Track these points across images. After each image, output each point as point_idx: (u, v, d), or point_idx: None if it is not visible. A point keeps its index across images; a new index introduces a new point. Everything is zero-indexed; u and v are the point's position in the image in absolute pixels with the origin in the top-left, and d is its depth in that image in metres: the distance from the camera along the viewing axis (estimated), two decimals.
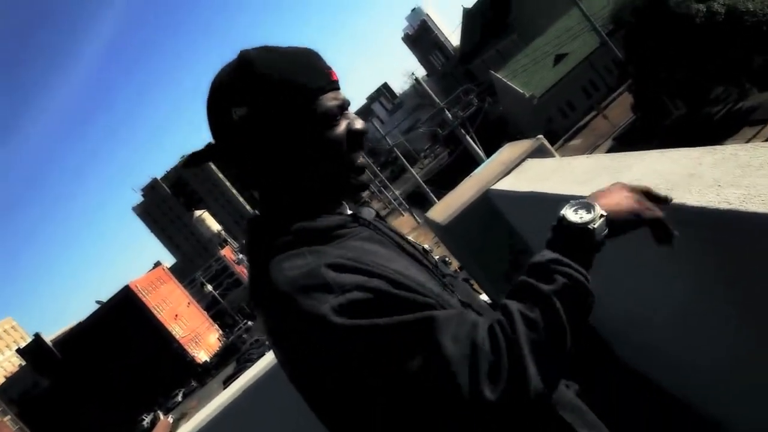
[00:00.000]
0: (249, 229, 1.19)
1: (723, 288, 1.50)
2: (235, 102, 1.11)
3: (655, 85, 27.08)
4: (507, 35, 72.37)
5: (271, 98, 1.11)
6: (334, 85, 1.17)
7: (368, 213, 1.27)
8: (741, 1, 23.26)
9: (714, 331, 1.71)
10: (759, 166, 1.34)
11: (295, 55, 1.16)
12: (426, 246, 1.36)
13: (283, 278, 1.02)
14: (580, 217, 1.07)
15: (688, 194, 1.42)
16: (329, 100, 1.14)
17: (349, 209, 1.28)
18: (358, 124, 1.19)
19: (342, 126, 1.16)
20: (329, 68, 1.18)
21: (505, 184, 2.87)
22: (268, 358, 2.86)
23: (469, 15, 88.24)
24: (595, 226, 1.06)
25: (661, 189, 1.57)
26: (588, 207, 1.09)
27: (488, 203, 2.99)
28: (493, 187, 2.95)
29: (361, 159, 1.20)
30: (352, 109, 1.22)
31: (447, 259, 4.95)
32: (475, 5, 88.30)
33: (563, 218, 1.09)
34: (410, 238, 1.34)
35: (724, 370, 1.85)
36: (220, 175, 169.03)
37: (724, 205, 1.28)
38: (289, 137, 1.13)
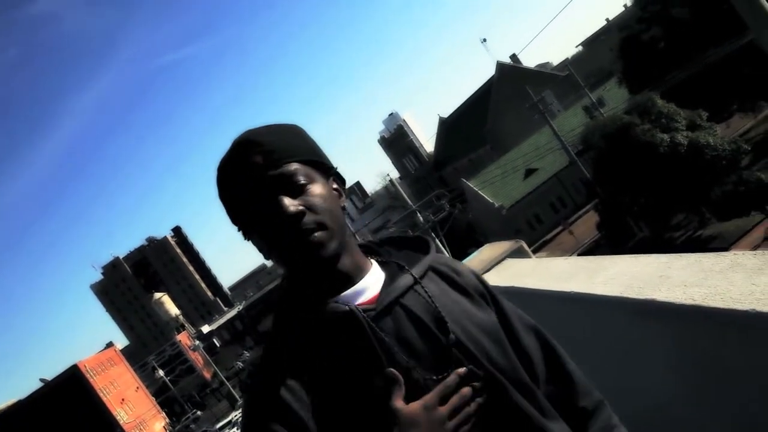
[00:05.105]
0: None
1: (694, 373, 1.68)
2: None
3: (620, 207, 28.02)
4: (480, 146, 74.76)
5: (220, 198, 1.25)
6: (254, 192, 1.17)
7: (395, 286, 1.21)
8: (702, 135, 24.57)
9: (690, 413, 1.87)
10: (720, 271, 1.55)
11: (222, 162, 1.21)
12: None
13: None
14: None
15: (658, 291, 1.63)
16: (249, 204, 1.18)
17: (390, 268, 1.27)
18: (277, 209, 1.15)
19: (266, 223, 1.17)
20: (236, 166, 1.18)
21: (487, 280, 3.07)
22: None
23: (444, 124, 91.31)
24: None
25: (633, 288, 1.78)
26: None
27: None
28: None
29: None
30: None
31: None
32: (450, 115, 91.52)
33: None
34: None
35: None
36: (184, 259, 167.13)
37: (689, 302, 1.49)
38: (245, 234, 1.24)
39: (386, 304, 1.17)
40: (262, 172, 1.15)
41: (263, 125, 1.23)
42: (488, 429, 1.14)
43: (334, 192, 1.24)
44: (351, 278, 1.21)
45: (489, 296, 1.32)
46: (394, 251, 1.34)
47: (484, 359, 1.17)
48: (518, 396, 1.17)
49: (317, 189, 1.19)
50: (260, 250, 1.23)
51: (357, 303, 1.18)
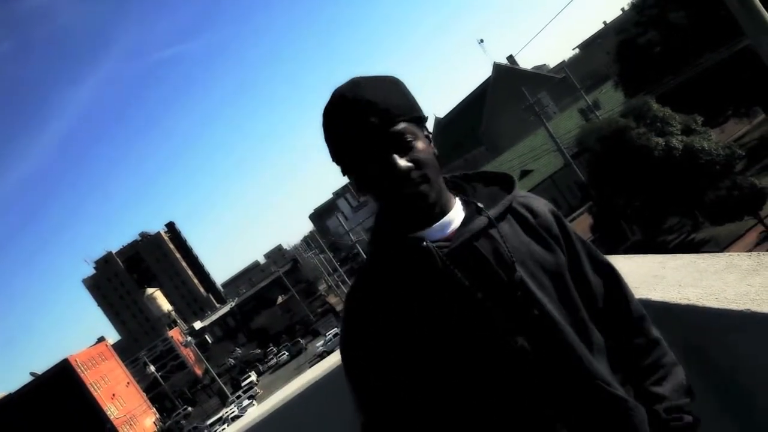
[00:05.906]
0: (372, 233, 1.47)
1: (688, 373, 1.68)
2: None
3: (614, 210, 28.08)
4: (475, 147, 74.86)
5: (326, 141, 1.37)
6: (355, 140, 1.30)
7: (470, 227, 1.33)
8: (697, 140, 24.64)
9: None
10: (714, 272, 1.56)
11: (333, 113, 1.33)
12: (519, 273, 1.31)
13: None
14: None
15: (653, 291, 1.63)
16: (351, 151, 1.32)
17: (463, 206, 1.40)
18: (389, 165, 1.29)
19: (370, 166, 1.31)
20: (351, 123, 1.29)
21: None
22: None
23: (439, 124, 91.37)
24: None
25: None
26: None
27: None
28: None
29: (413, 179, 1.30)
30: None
31: None
32: (446, 116, 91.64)
33: None
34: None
35: None
36: (177, 255, 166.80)
37: (684, 302, 1.49)
38: (344, 171, 1.39)
39: (459, 242, 1.32)
40: (378, 132, 1.28)
41: (370, 79, 1.35)
42: (540, 364, 1.26)
43: (427, 139, 1.38)
44: (435, 215, 1.35)
45: (562, 237, 1.42)
46: (480, 187, 1.47)
47: (544, 298, 1.29)
48: (573, 336, 1.30)
49: (420, 144, 1.33)
50: (356, 185, 1.39)
51: (435, 239, 1.33)
